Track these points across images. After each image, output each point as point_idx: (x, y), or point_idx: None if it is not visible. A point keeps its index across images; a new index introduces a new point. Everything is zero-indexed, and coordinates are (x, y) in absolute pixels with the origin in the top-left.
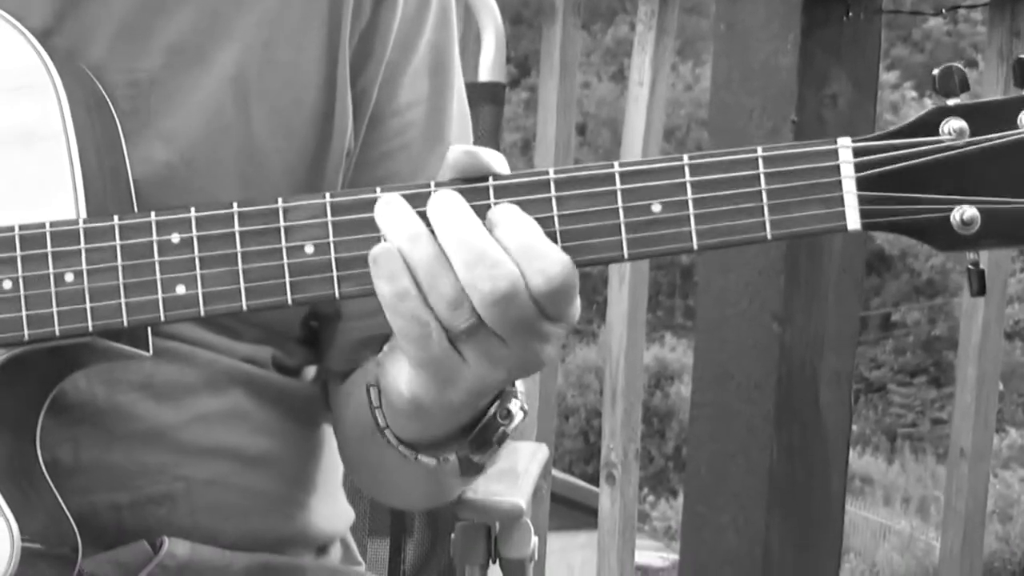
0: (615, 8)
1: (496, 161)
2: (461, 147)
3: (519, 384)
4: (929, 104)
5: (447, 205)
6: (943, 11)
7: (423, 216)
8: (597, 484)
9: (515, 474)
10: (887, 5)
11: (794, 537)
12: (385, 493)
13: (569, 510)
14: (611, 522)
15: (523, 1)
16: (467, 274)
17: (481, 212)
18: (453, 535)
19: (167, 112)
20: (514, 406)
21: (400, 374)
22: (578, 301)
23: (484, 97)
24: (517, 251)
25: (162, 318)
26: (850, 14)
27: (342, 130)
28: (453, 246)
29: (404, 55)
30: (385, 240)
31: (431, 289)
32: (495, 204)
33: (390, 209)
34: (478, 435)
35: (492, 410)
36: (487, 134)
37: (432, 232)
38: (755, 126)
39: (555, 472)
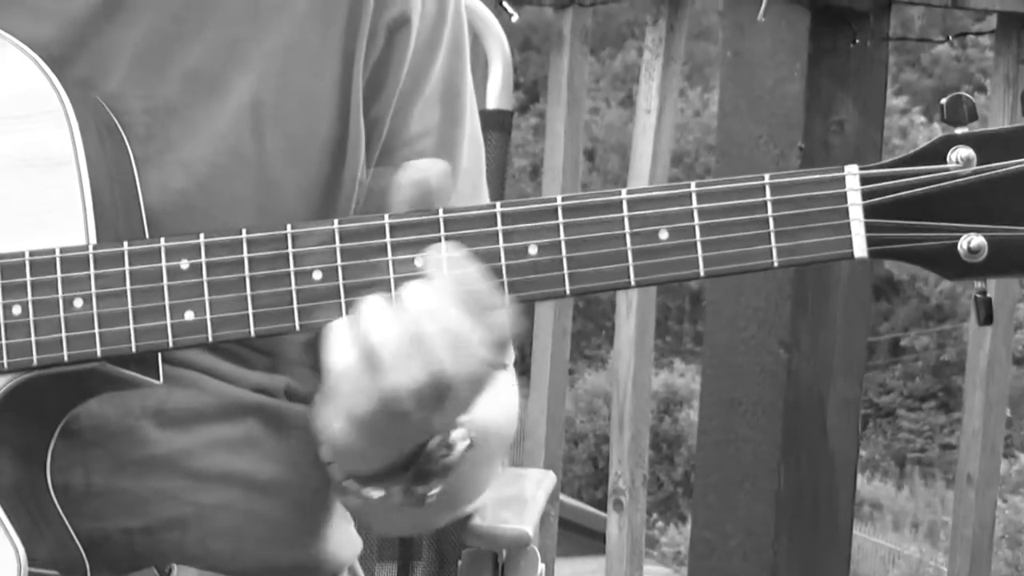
0: (624, 34)
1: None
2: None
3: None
4: (938, 129)
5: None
6: (950, 37)
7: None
8: (605, 509)
9: (522, 501)
10: (895, 32)
11: (802, 563)
12: (373, 524)
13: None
14: (619, 548)
15: (531, 27)
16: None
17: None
18: (460, 562)
19: (183, 139)
20: (456, 436)
21: (333, 423)
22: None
23: (491, 125)
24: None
25: (170, 344)
26: (857, 41)
27: (355, 158)
28: (429, 331)
29: (416, 84)
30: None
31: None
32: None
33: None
34: (418, 469)
35: (433, 443)
36: (495, 161)
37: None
38: (762, 152)
39: (563, 497)
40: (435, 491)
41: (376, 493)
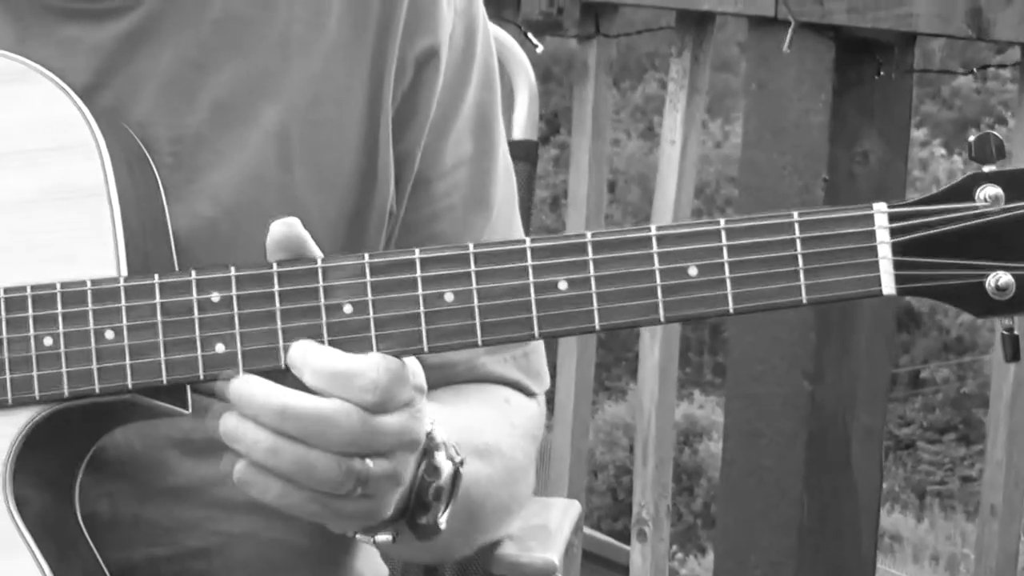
0: (644, 65)
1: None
2: (278, 221)
3: (440, 434)
4: (958, 161)
5: (263, 393)
6: (974, 70)
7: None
8: (625, 541)
9: (547, 531)
10: (918, 64)
11: None
12: (395, 555)
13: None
14: None
15: (553, 58)
16: (319, 442)
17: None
18: None
19: (211, 168)
20: (439, 458)
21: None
22: (411, 379)
23: (518, 155)
24: (332, 385)
25: (201, 376)
26: (881, 73)
27: (384, 190)
28: (294, 430)
29: (447, 118)
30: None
31: (313, 482)
32: (286, 330)
33: (234, 429)
34: (415, 502)
35: (419, 472)
36: (520, 192)
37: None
38: (786, 184)
39: (584, 529)
40: (443, 515)
41: (385, 537)
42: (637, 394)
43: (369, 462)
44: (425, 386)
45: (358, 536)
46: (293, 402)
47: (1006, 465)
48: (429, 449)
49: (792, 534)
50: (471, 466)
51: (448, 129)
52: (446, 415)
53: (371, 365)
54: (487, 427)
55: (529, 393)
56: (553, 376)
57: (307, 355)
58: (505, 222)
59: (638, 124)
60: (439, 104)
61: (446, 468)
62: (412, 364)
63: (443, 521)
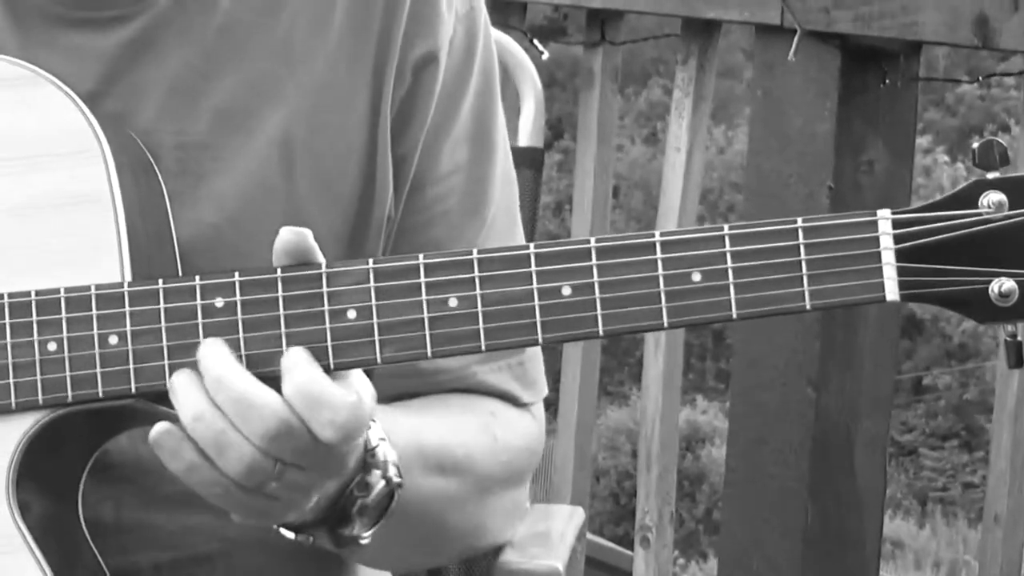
0: (648, 71)
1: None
2: (288, 228)
3: (388, 455)
4: (962, 169)
5: (212, 362)
6: (979, 78)
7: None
8: (627, 546)
9: (551, 537)
10: (922, 72)
11: None
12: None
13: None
14: None
15: (556, 63)
16: (242, 424)
17: (519, 279)
18: None
19: (215, 175)
20: (374, 478)
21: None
22: (367, 421)
23: (523, 162)
24: (303, 404)
25: None
26: (887, 81)
27: (383, 195)
28: (221, 401)
29: (445, 122)
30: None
31: (222, 462)
32: (289, 335)
33: (179, 385)
34: (338, 513)
35: (349, 487)
36: (526, 199)
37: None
38: (791, 192)
39: (587, 534)
40: (365, 533)
41: (304, 539)
42: (641, 402)
43: (281, 467)
44: (371, 421)
45: (281, 531)
46: (232, 376)
47: (1010, 474)
48: (367, 466)
49: (796, 541)
50: (432, 482)
51: (445, 134)
52: (412, 429)
53: (345, 404)
54: (463, 441)
55: (520, 404)
56: (557, 382)
57: (296, 366)
58: (502, 230)
59: (642, 130)
60: (437, 109)
61: (377, 487)
62: (369, 402)
63: (365, 536)
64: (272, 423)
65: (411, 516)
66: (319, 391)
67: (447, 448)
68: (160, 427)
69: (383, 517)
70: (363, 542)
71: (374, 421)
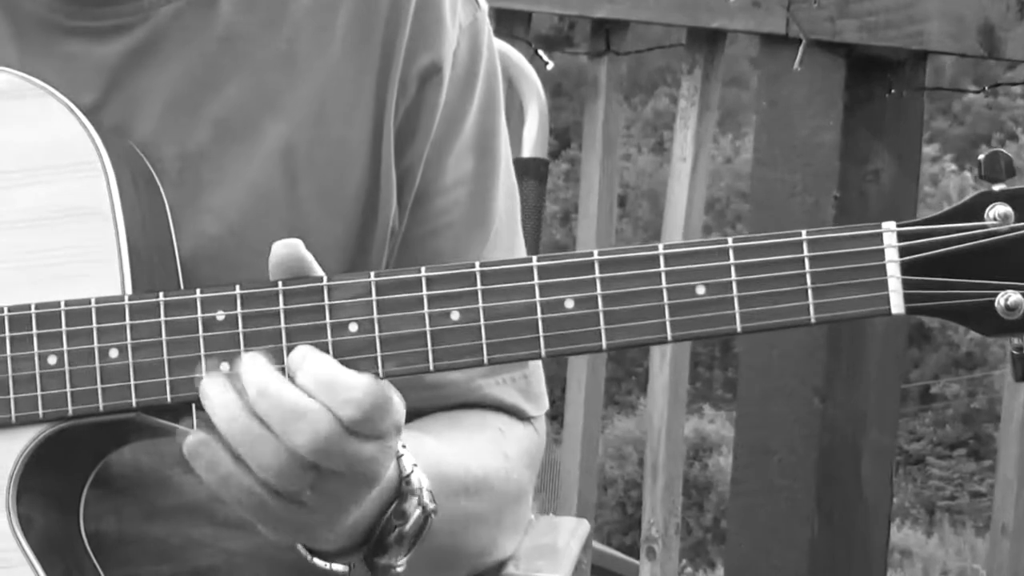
0: (655, 80)
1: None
2: (280, 242)
3: (422, 481)
4: (968, 177)
5: (250, 370)
6: (985, 87)
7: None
8: (635, 555)
9: (556, 550)
10: (929, 81)
11: None
12: None
13: None
14: None
15: (562, 73)
16: (284, 431)
17: (522, 292)
18: None
19: (216, 186)
20: (410, 505)
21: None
22: (393, 414)
23: (528, 173)
24: (319, 390)
25: None
26: (892, 91)
27: (387, 207)
28: (263, 410)
29: (449, 135)
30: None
31: (256, 465)
32: (291, 348)
33: (210, 388)
34: (375, 542)
35: (386, 515)
36: (530, 209)
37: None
38: (797, 202)
39: (594, 544)
40: (401, 560)
41: (340, 567)
42: (647, 413)
43: (316, 473)
44: (403, 424)
45: (316, 561)
46: (276, 385)
47: (1017, 484)
48: (403, 494)
49: (803, 550)
50: (456, 505)
51: (449, 146)
52: (436, 453)
53: (361, 384)
54: (481, 463)
55: (524, 417)
56: (563, 393)
57: (306, 358)
58: (505, 241)
59: (649, 139)
60: (441, 120)
61: (414, 515)
62: (397, 400)
63: (402, 564)
64: (318, 428)
65: (434, 539)
66: (333, 375)
67: (468, 471)
68: (195, 437)
69: (417, 543)
70: (399, 569)
71: (404, 447)
